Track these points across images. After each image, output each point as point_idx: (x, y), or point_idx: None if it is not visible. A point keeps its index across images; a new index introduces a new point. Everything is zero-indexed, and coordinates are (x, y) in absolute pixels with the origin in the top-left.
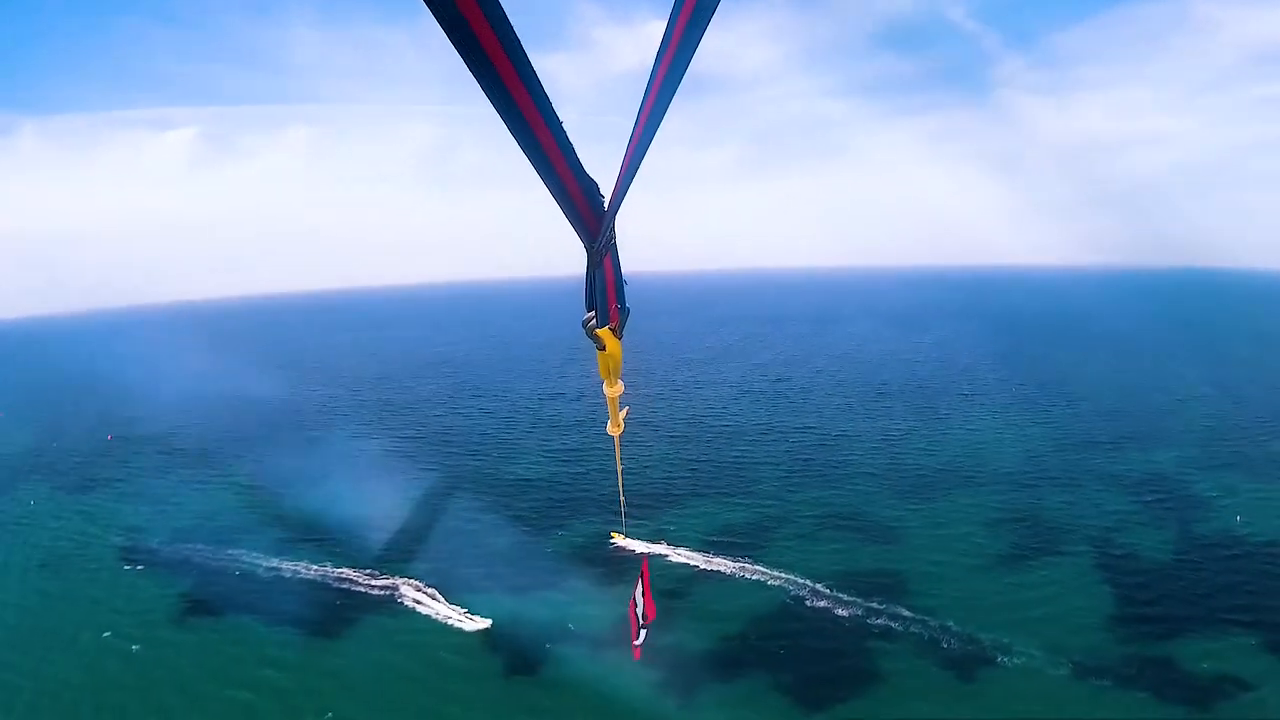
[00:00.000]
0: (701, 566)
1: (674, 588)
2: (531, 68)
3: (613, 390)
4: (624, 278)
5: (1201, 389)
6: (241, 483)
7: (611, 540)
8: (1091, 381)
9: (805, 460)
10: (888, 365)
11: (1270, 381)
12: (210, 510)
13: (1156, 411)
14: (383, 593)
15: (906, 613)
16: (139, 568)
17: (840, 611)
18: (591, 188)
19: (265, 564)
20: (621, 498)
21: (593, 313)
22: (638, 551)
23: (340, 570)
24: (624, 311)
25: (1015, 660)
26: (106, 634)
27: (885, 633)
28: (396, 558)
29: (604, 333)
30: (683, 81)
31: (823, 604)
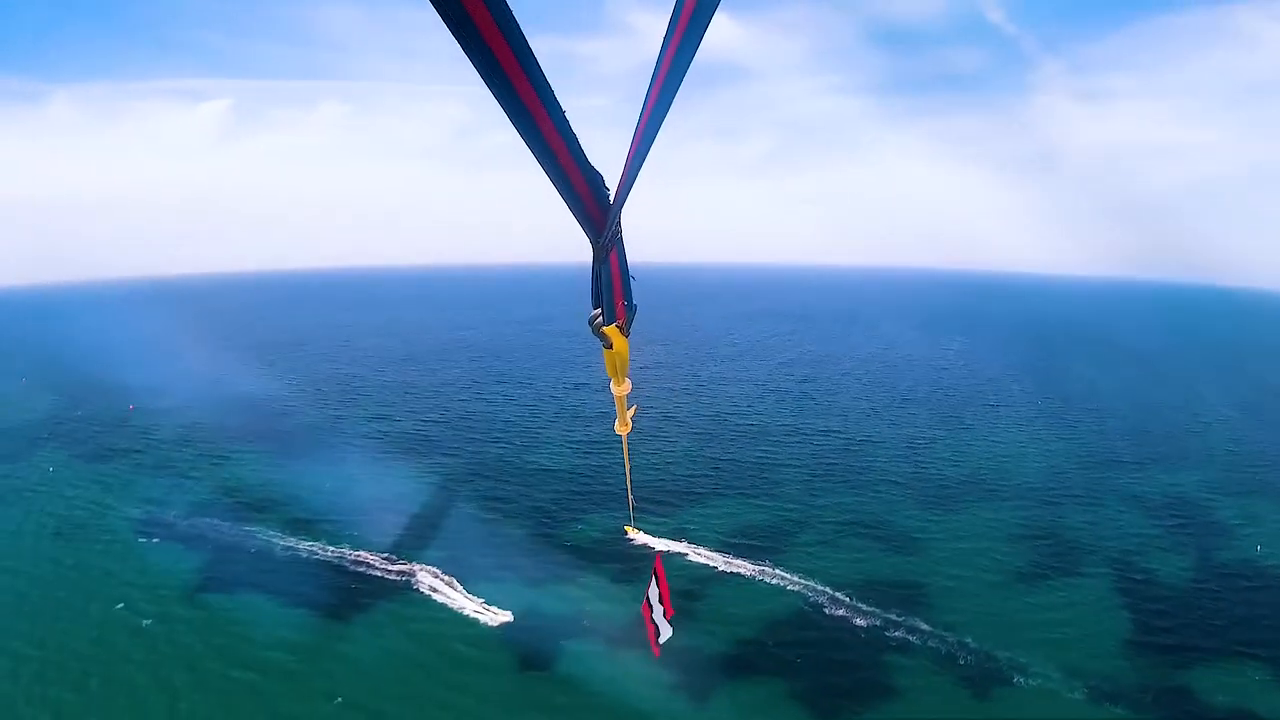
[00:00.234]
0: (721, 567)
1: (693, 588)
2: (530, 51)
3: (620, 389)
4: (631, 273)
5: (1225, 411)
6: (261, 459)
7: (627, 535)
8: (1116, 398)
9: (829, 464)
10: (914, 370)
11: None
12: (228, 486)
13: (1180, 432)
14: (399, 578)
15: (925, 626)
16: (154, 540)
17: (858, 621)
18: (596, 180)
19: (281, 543)
20: (630, 495)
21: (599, 310)
22: (654, 548)
23: (357, 553)
24: (631, 309)
25: (1031, 681)
26: (119, 606)
27: (902, 645)
28: (414, 543)
29: (611, 330)
30: (699, 73)
31: (841, 612)
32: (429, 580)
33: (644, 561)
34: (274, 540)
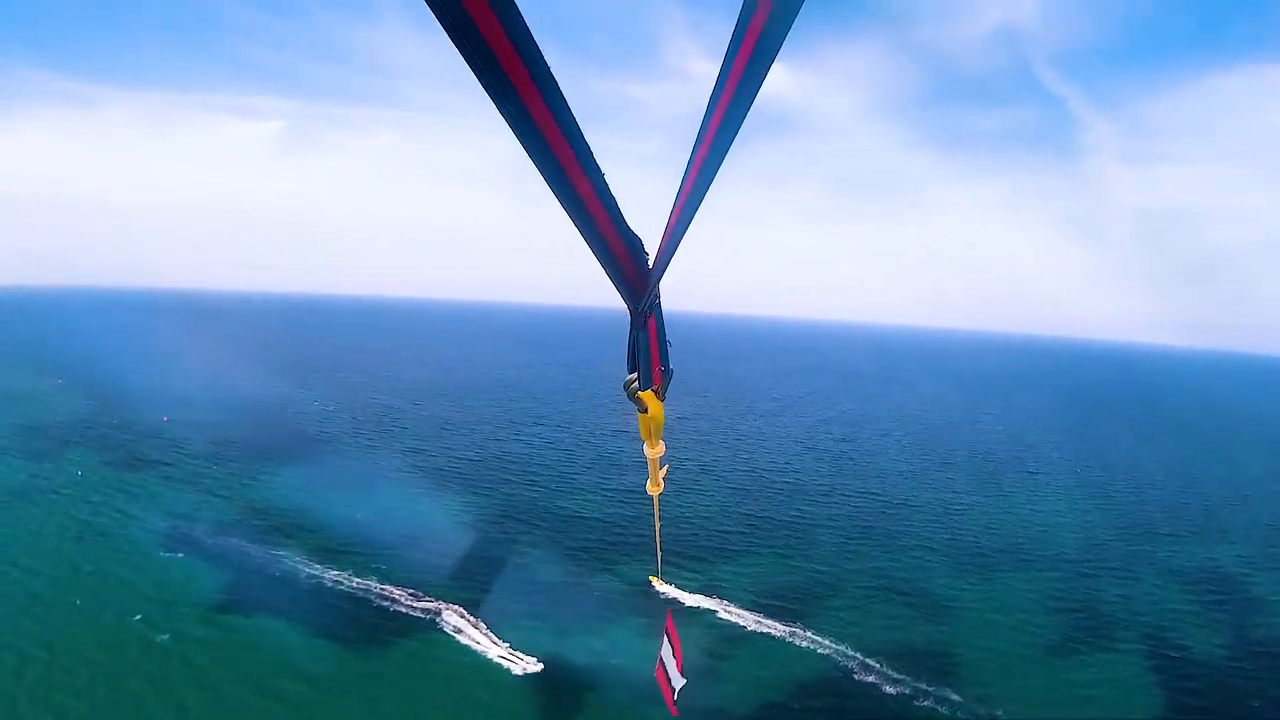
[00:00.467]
0: (751, 626)
1: (722, 645)
2: (574, 119)
3: (654, 451)
4: (668, 338)
5: (1266, 485)
6: (292, 483)
7: (652, 585)
8: (1157, 468)
9: (865, 526)
10: (954, 433)
11: None
12: (257, 507)
13: (1219, 505)
14: (424, 615)
15: (955, 696)
16: (178, 555)
17: (888, 689)
18: (636, 245)
19: (307, 570)
20: (659, 551)
21: (635, 374)
22: (681, 601)
23: (384, 586)
24: (667, 374)
25: None
26: (136, 617)
27: (931, 715)
28: (442, 581)
29: (646, 395)
30: (752, 123)
31: (871, 678)
32: (455, 620)
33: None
34: (300, 566)
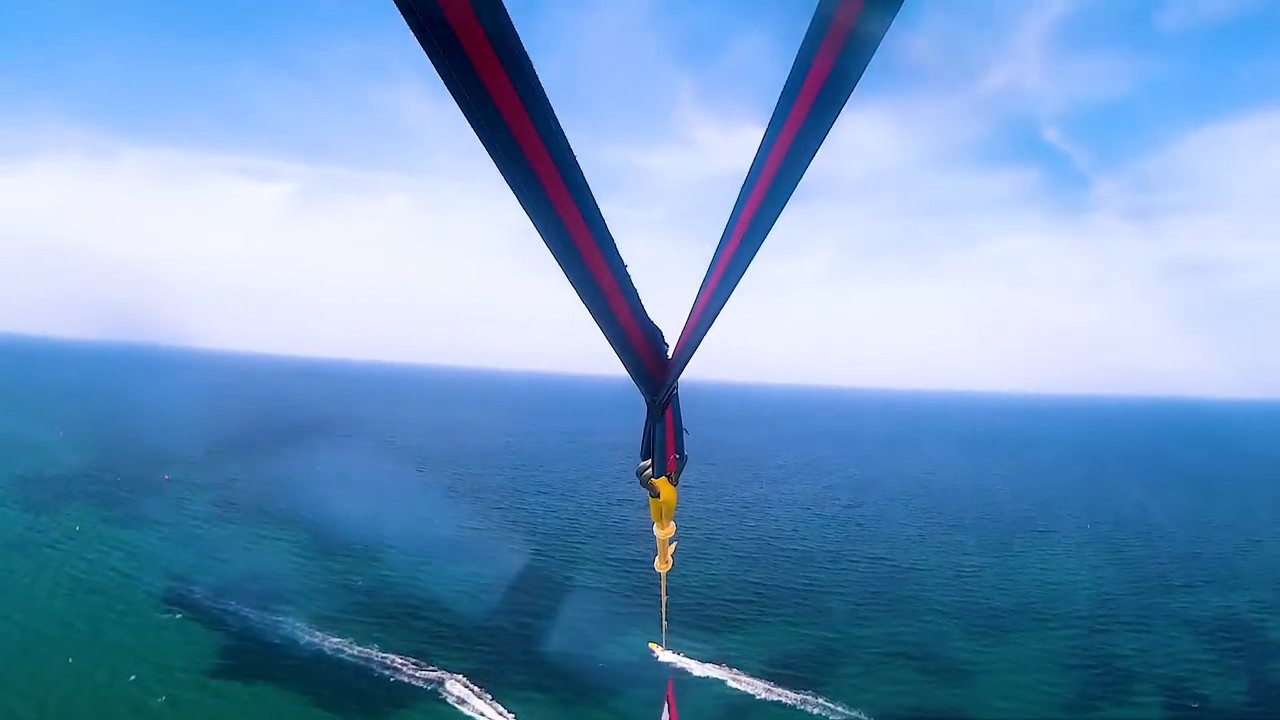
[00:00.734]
0: (762, 695)
1: (732, 715)
2: (597, 207)
3: (664, 533)
4: (685, 427)
5: (1277, 529)
6: (293, 547)
7: (652, 651)
8: (1167, 519)
9: (874, 592)
10: (961, 496)
11: None
12: (257, 571)
13: (1231, 551)
14: (426, 685)
15: None
16: (175, 616)
17: None
18: (656, 336)
19: (307, 636)
20: (664, 624)
21: (648, 461)
22: (683, 668)
23: (386, 655)
24: (682, 460)
25: None
26: (131, 678)
27: None
28: (445, 650)
29: (659, 481)
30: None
31: None
32: (458, 690)
33: (677, 682)
34: (300, 632)
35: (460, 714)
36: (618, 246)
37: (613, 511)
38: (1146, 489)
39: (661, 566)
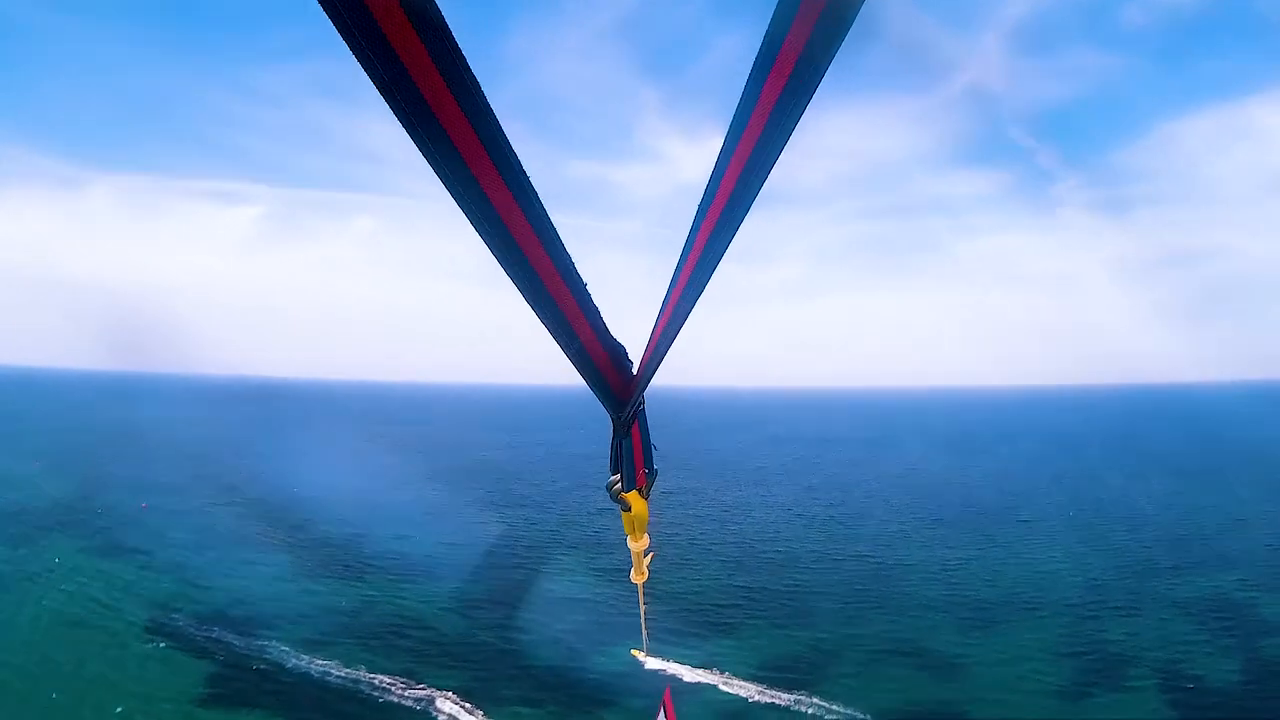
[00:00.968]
0: (755, 698)
1: (729, 718)
2: (554, 229)
3: (638, 545)
4: (653, 442)
5: (1261, 507)
6: (275, 571)
7: (635, 657)
8: (1149, 503)
9: (861, 590)
10: (942, 490)
11: None
12: (240, 596)
13: (1215, 532)
14: (416, 704)
15: None
16: (160, 645)
17: None
18: (619, 353)
19: (294, 660)
20: (645, 633)
21: (617, 476)
22: (684, 678)
23: (374, 676)
24: (652, 474)
25: None
26: (118, 710)
27: None
28: (432, 668)
29: (630, 495)
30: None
31: None
32: (449, 707)
33: (670, 688)
34: (285, 656)
35: None
36: (576, 267)
37: (594, 521)
38: (1126, 475)
39: (637, 578)
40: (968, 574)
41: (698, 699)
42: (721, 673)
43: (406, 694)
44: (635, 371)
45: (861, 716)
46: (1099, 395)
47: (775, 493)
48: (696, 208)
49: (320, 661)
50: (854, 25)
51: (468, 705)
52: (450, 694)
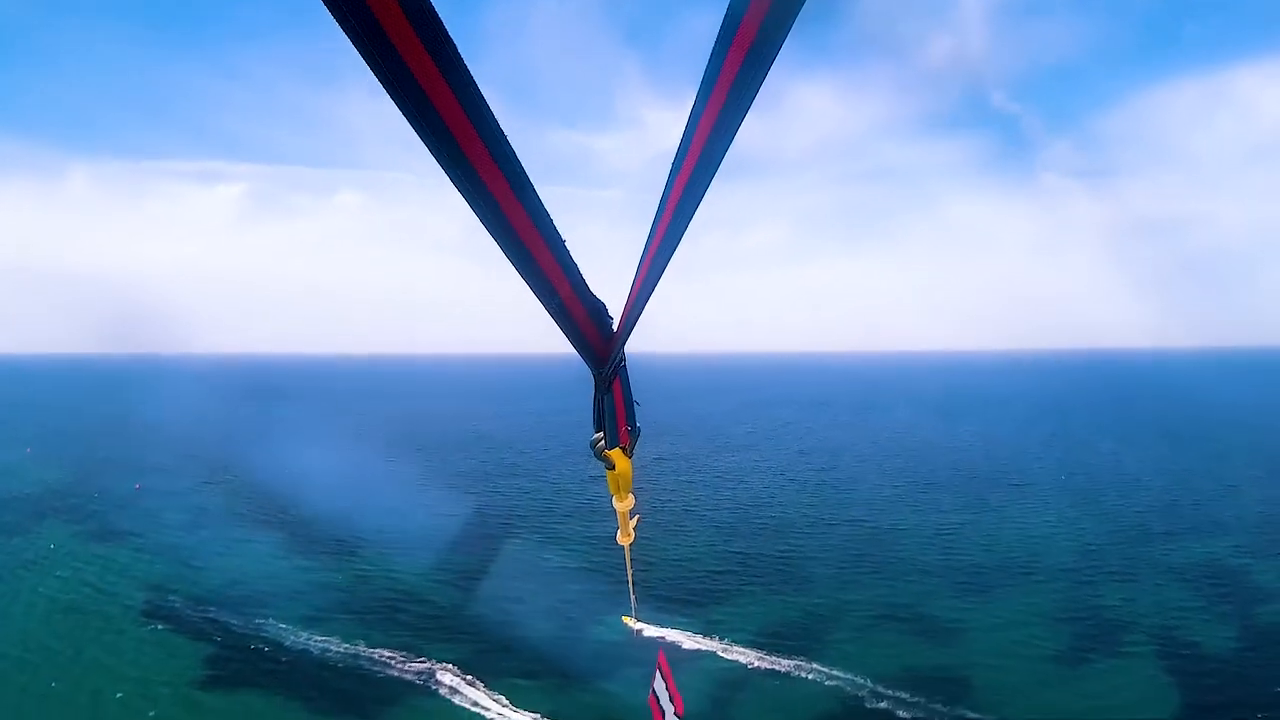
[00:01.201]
0: (755, 663)
1: (727, 685)
2: (531, 185)
3: (623, 505)
4: (635, 399)
5: (1252, 472)
6: (270, 549)
7: (626, 624)
8: (1141, 468)
9: (857, 555)
10: (933, 454)
11: None
12: (235, 576)
13: (1208, 498)
14: (417, 678)
15: (971, 714)
16: (157, 628)
17: (902, 713)
18: (599, 310)
19: (293, 636)
20: (633, 597)
21: (601, 433)
22: (684, 645)
23: (374, 650)
24: (635, 432)
25: None
26: (118, 695)
27: None
28: (431, 641)
29: (614, 453)
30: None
31: (884, 705)
32: (450, 679)
33: (669, 656)
34: (284, 634)
35: (453, 703)
36: (555, 224)
37: (587, 490)
38: (1116, 440)
39: (624, 540)
40: (962, 538)
41: (697, 666)
42: (720, 640)
43: (408, 668)
44: (615, 328)
45: (861, 681)
46: (1076, 361)
47: (767, 457)
48: (670, 166)
49: (319, 638)
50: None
51: (469, 677)
52: (450, 666)
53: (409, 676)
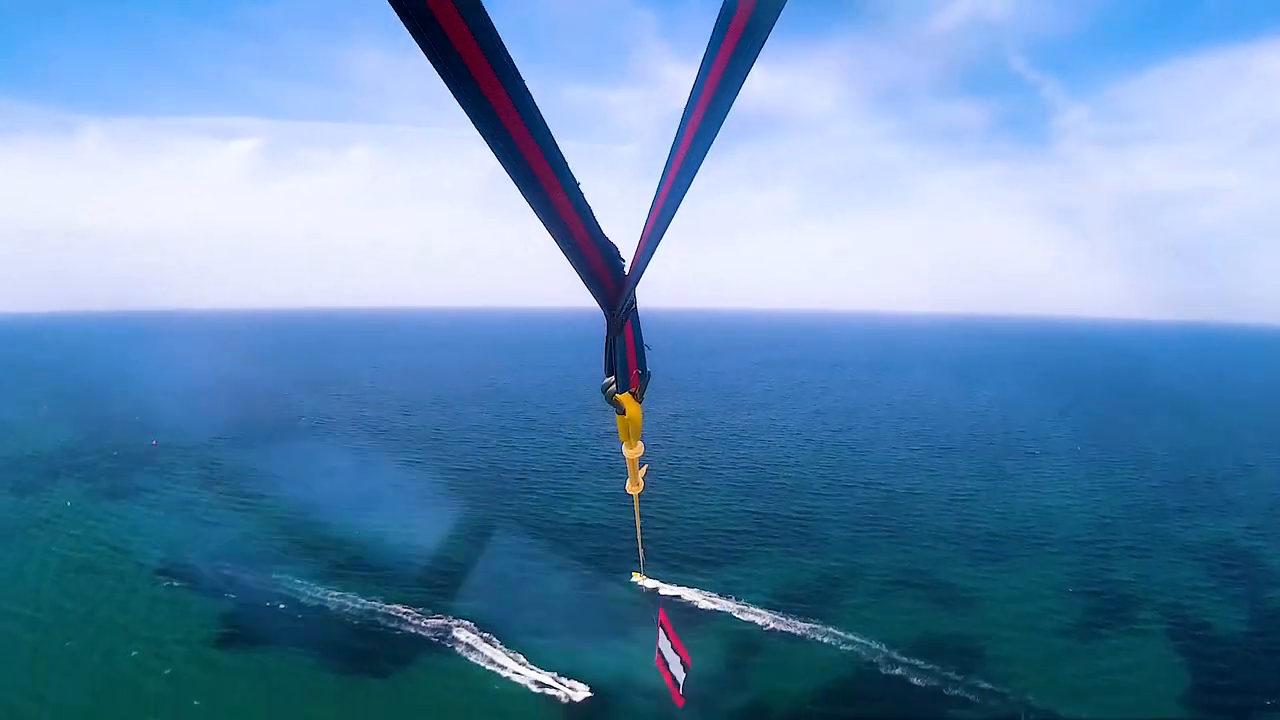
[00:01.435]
0: (771, 625)
1: (744, 647)
2: (548, 129)
3: (632, 452)
4: (645, 342)
5: (1265, 453)
6: (286, 504)
7: (634, 581)
8: (1156, 443)
9: (872, 517)
10: (950, 418)
11: None
12: (252, 531)
13: (1222, 477)
14: (433, 634)
15: (985, 685)
16: (171, 585)
17: (916, 681)
18: (611, 252)
19: (309, 592)
20: (640, 549)
21: (612, 377)
22: (700, 605)
23: (390, 606)
24: (645, 376)
25: None
26: (134, 654)
27: (964, 704)
28: (448, 597)
29: (624, 397)
30: (728, 125)
31: (898, 671)
32: (466, 636)
33: (689, 619)
34: (301, 589)
35: (470, 658)
36: (571, 169)
37: (603, 445)
38: (1133, 413)
39: (633, 489)
40: (978, 505)
41: (713, 628)
42: (737, 600)
43: (424, 624)
44: (627, 271)
45: (876, 647)
46: (1095, 328)
47: (783, 416)
48: (682, 110)
49: (335, 594)
50: None
51: (486, 634)
52: (467, 623)
53: (425, 633)
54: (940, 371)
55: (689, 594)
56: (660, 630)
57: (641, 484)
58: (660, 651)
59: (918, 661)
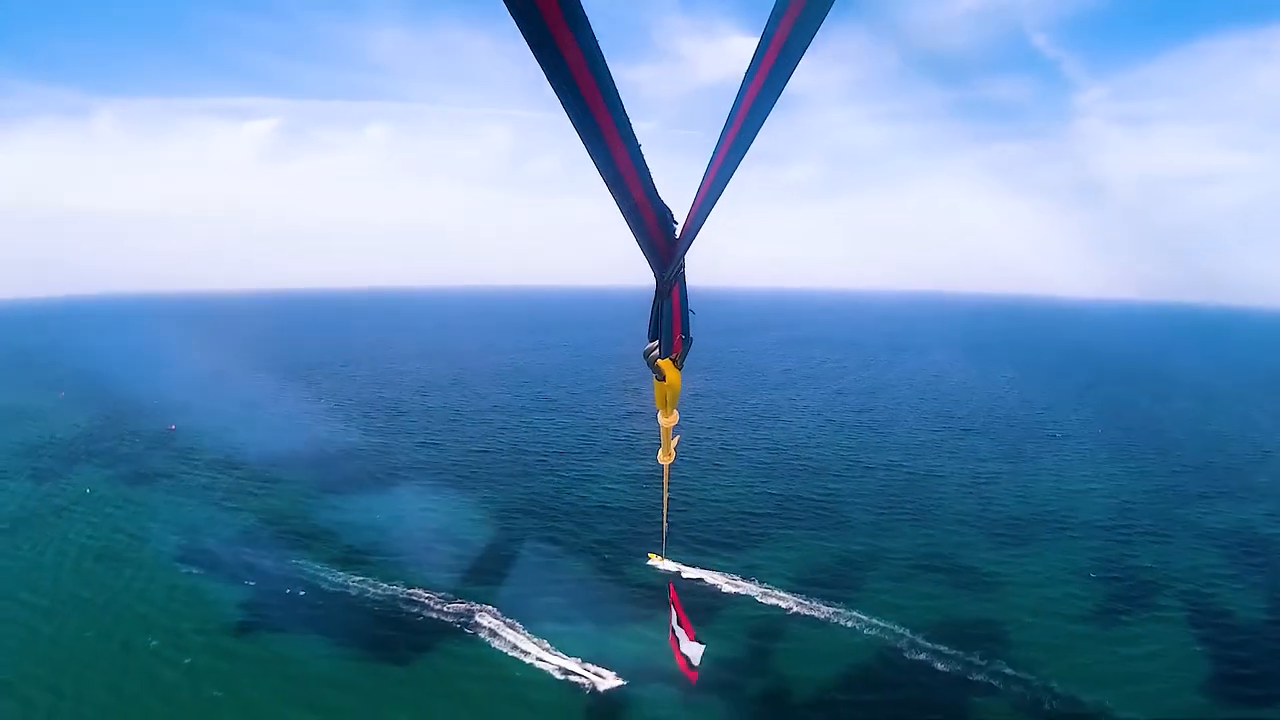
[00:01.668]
0: (794, 608)
1: (767, 629)
2: (616, 89)
3: (668, 420)
4: (690, 307)
5: None
6: (306, 487)
7: (651, 562)
8: (1176, 428)
9: (894, 499)
10: (970, 399)
11: None
12: (272, 515)
13: (1242, 463)
14: (455, 620)
15: (1008, 670)
16: (191, 572)
17: (939, 665)
18: (665, 215)
19: (330, 578)
20: (665, 525)
21: (655, 342)
22: (723, 588)
23: (412, 590)
24: (687, 342)
25: None
26: (153, 643)
27: (988, 690)
28: (470, 581)
29: (665, 363)
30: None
31: (921, 657)
32: (489, 622)
33: (712, 602)
34: (321, 575)
35: (494, 643)
36: (634, 130)
37: (624, 425)
38: (1151, 397)
39: (665, 459)
40: (999, 488)
41: (736, 612)
42: (759, 583)
43: (446, 609)
44: (678, 234)
45: (899, 631)
46: (1113, 309)
47: (804, 396)
48: (742, 77)
49: (357, 579)
50: None
51: (509, 619)
52: (490, 607)
53: (448, 619)
54: (957, 352)
55: (711, 577)
56: (671, 609)
57: (673, 454)
58: (672, 629)
59: (941, 647)
